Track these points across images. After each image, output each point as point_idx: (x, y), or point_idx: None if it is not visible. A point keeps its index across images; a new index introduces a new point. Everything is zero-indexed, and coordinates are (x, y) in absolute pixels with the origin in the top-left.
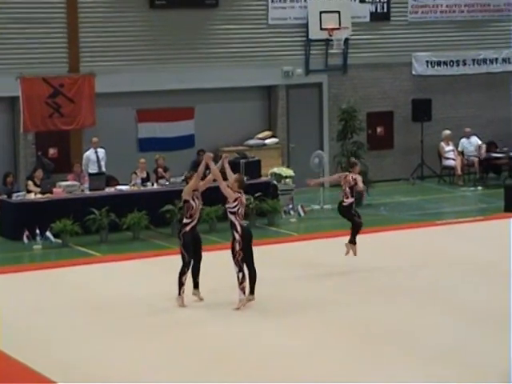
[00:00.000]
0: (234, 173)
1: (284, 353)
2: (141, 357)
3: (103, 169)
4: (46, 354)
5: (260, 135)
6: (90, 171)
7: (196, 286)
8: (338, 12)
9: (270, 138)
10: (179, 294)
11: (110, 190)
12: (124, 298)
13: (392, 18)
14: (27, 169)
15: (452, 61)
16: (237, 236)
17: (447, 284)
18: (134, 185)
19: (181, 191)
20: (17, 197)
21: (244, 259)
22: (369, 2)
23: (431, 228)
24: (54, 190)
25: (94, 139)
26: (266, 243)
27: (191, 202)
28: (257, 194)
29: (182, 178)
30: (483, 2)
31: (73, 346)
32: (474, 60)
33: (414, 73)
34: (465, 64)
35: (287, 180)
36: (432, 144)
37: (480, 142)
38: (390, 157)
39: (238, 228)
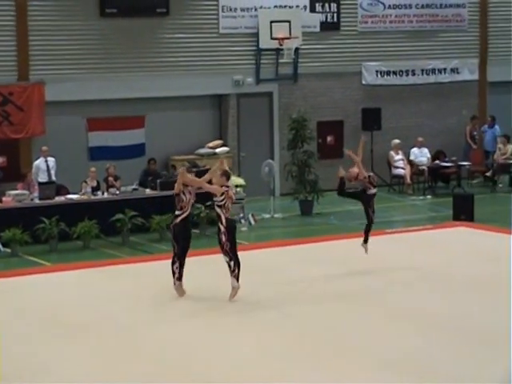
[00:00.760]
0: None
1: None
2: (90, 362)
3: (53, 178)
4: None
5: (211, 144)
6: (40, 180)
7: (179, 278)
8: (289, 22)
9: (220, 146)
10: (174, 283)
11: (60, 199)
12: (74, 308)
13: (342, 28)
14: None
15: (401, 70)
16: (222, 228)
17: (393, 290)
18: (84, 194)
19: (132, 200)
20: None
21: (232, 249)
22: (319, 12)
23: (381, 236)
24: (4, 198)
25: (44, 148)
26: (217, 252)
27: (181, 195)
28: (207, 203)
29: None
30: (432, 13)
31: (20, 355)
32: (423, 70)
33: (363, 82)
34: (414, 74)
35: (238, 189)
36: (382, 153)
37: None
38: (340, 166)
39: (223, 220)
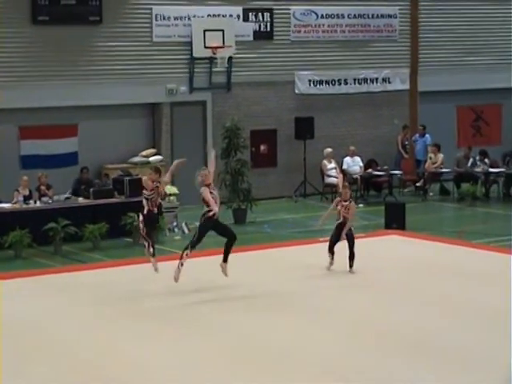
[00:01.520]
0: None
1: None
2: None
3: None
4: None
5: (144, 153)
6: None
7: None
8: (222, 31)
9: (154, 155)
10: (178, 266)
11: None
12: (5, 318)
13: (275, 37)
14: None
15: (334, 80)
16: (141, 217)
17: (329, 300)
18: (16, 202)
19: (64, 209)
20: None
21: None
22: (252, 21)
23: (314, 245)
24: None
25: None
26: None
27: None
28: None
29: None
30: (364, 23)
31: None
32: (355, 79)
33: (296, 91)
34: (346, 83)
35: (171, 198)
36: (315, 162)
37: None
38: (274, 174)
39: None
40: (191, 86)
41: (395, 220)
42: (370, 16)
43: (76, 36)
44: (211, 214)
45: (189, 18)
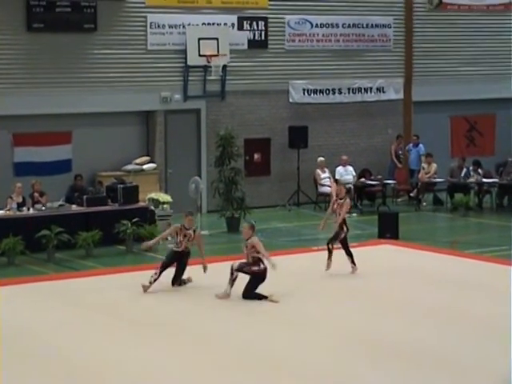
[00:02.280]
0: None
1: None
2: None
3: None
4: None
5: (138, 160)
6: None
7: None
8: (217, 39)
9: (147, 163)
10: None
11: None
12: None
13: (269, 46)
14: None
15: (328, 89)
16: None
17: (321, 308)
18: (9, 209)
19: (58, 216)
20: None
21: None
22: (247, 30)
23: (307, 254)
24: None
25: None
26: (144, 269)
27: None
28: (134, 220)
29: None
30: (358, 32)
31: None
32: (349, 89)
33: (290, 100)
34: (340, 92)
35: (165, 206)
36: (308, 171)
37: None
38: (267, 183)
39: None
40: (185, 94)
41: (388, 229)
42: (365, 26)
43: (71, 43)
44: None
45: (183, 26)
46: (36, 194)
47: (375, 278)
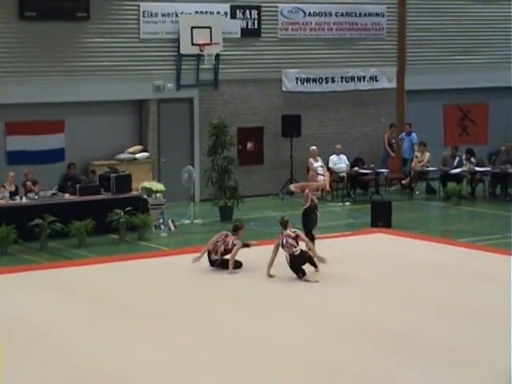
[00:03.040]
0: None
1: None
2: None
3: None
4: None
5: (131, 149)
6: None
7: None
8: (210, 28)
9: (140, 152)
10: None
11: None
12: None
13: (262, 35)
14: None
15: (321, 78)
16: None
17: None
18: (2, 198)
19: (50, 205)
20: None
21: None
22: (240, 19)
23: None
24: None
25: None
26: (136, 258)
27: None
28: (127, 209)
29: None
30: (351, 21)
31: None
32: (342, 77)
33: (283, 89)
34: (333, 81)
35: (158, 194)
36: (301, 159)
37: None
38: (260, 172)
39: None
40: (178, 83)
41: (381, 218)
42: (358, 14)
43: (63, 32)
44: None
45: (176, 15)
46: (29, 183)
47: (368, 266)
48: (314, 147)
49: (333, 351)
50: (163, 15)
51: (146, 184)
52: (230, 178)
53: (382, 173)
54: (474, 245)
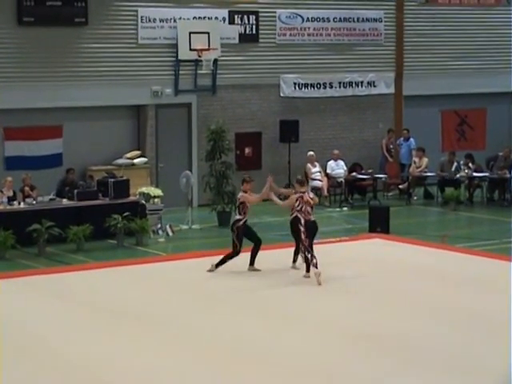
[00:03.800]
0: None
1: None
2: None
3: None
4: None
5: (129, 155)
6: None
7: (252, 263)
8: (208, 33)
9: (138, 157)
10: (216, 266)
11: None
12: None
13: (260, 40)
14: None
15: (319, 83)
16: (302, 228)
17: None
18: (0, 203)
19: (48, 210)
20: None
21: (310, 245)
22: (238, 24)
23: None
24: None
25: None
26: (134, 263)
27: (246, 203)
28: (125, 214)
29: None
30: (349, 27)
31: None
32: (340, 83)
33: (281, 94)
34: (331, 86)
35: (156, 200)
36: (299, 165)
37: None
38: (258, 177)
39: (302, 221)
40: (176, 89)
41: (379, 223)
42: (356, 20)
43: (61, 37)
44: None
45: (174, 20)
46: (27, 188)
47: (366, 272)
48: (311, 153)
49: (331, 355)
50: (161, 20)
51: (144, 189)
52: (228, 183)
53: (380, 178)
54: (471, 250)
